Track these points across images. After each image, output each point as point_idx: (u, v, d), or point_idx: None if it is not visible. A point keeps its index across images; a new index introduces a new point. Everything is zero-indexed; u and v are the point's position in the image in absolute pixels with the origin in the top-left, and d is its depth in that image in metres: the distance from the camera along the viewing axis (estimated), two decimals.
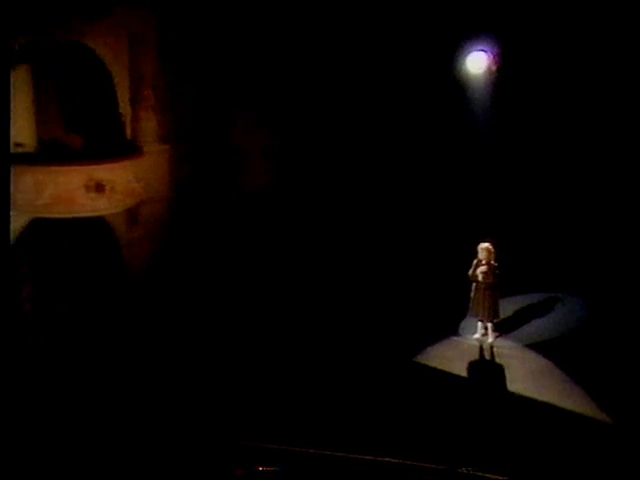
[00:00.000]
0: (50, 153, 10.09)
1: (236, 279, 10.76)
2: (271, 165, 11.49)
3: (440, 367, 9.38)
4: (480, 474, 7.33)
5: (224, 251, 10.93)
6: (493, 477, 7.33)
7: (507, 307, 10.29)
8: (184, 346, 9.69)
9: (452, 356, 9.65)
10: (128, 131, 10.70)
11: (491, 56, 11.11)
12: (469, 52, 11.10)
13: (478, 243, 9.80)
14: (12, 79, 8.12)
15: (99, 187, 10.08)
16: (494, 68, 11.17)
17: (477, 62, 11.13)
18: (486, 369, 9.59)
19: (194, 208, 10.98)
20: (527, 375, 9.22)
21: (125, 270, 10.53)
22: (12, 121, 7.70)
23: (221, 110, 11.15)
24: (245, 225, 11.10)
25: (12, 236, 8.78)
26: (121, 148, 10.62)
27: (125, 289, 10.42)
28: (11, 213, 7.80)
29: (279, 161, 11.53)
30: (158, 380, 9.03)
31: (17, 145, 9.45)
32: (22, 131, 9.67)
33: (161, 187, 10.95)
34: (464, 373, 9.34)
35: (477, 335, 10.02)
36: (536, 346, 9.74)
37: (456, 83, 11.26)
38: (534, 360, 9.52)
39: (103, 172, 10.20)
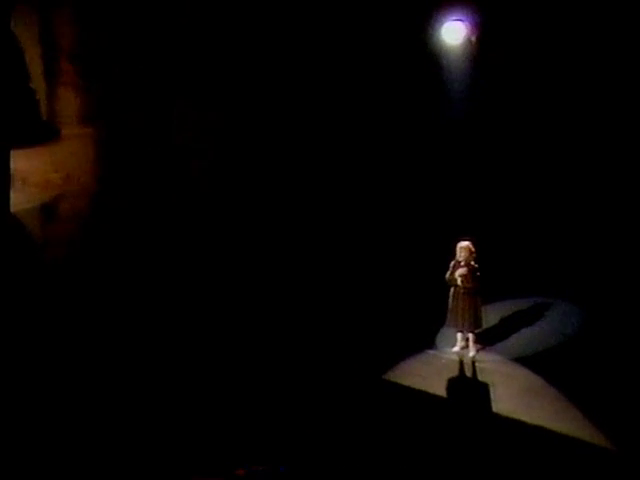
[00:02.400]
0: None
1: (169, 283, 10.52)
2: (213, 153, 11.14)
3: (414, 386, 9.21)
4: None
5: (156, 252, 10.65)
6: None
7: (491, 315, 10.17)
8: (109, 352, 9.52)
9: (428, 373, 9.48)
10: (43, 111, 10.25)
11: (470, 26, 11.02)
12: (445, 21, 10.98)
13: (456, 242, 9.63)
14: None
15: None
16: (473, 39, 11.10)
17: (454, 32, 10.98)
18: (467, 387, 9.43)
19: (123, 202, 10.64)
20: (515, 394, 9.05)
21: (41, 274, 10.07)
22: None
23: (156, 87, 10.77)
24: (181, 221, 10.79)
25: None
26: (34, 131, 10.16)
27: (41, 295, 9.96)
28: None
29: (223, 148, 11.21)
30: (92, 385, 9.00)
31: None
32: None
33: (84, 178, 10.54)
34: (442, 392, 9.15)
35: (456, 348, 9.83)
36: (525, 360, 9.60)
37: (430, 56, 11.20)
38: (523, 376, 9.37)
39: (12, 160, 9.58)
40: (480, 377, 9.46)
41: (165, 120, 10.98)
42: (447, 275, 9.59)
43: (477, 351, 9.78)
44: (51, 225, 10.35)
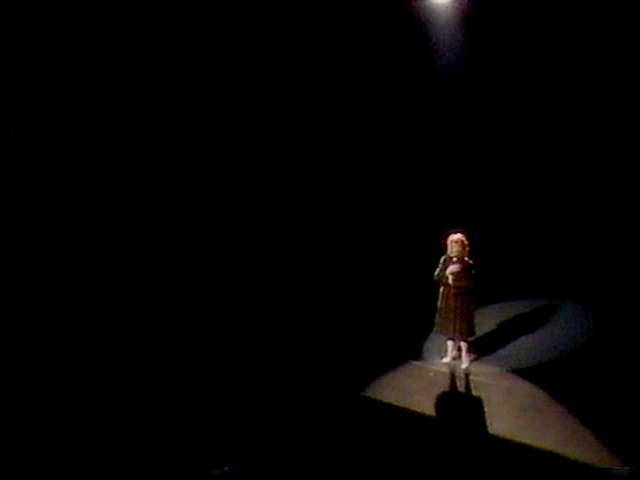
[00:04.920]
0: None
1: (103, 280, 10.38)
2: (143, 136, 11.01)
3: (398, 403, 9.06)
4: None
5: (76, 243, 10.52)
6: None
7: (486, 320, 10.17)
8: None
9: (413, 387, 9.36)
10: None
11: None
12: None
13: (447, 234, 9.54)
14: None
15: None
16: None
17: None
18: (459, 404, 9.32)
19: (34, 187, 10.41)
20: (514, 412, 8.91)
21: None
22: None
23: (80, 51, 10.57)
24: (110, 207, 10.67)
25: None
26: None
27: None
28: None
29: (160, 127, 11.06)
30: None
31: None
32: None
33: None
34: (430, 410, 8.99)
35: (447, 359, 9.74)
36: (526, 372, 9.52)
37: (416, 14, 11.32)
38: (524, 391, 9.26)
39: None
40: (474, 392, 9.34)
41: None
42: (436, 272, 9.44)
43: (471, 362, 9.67)
44: None
